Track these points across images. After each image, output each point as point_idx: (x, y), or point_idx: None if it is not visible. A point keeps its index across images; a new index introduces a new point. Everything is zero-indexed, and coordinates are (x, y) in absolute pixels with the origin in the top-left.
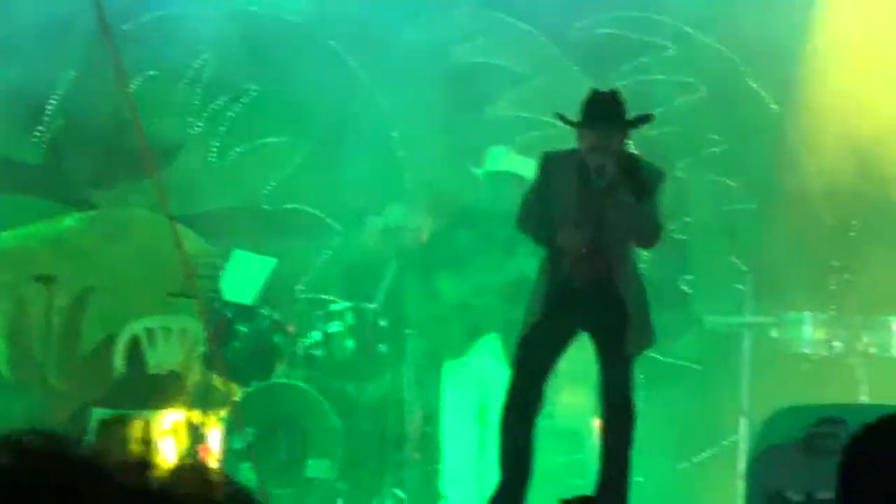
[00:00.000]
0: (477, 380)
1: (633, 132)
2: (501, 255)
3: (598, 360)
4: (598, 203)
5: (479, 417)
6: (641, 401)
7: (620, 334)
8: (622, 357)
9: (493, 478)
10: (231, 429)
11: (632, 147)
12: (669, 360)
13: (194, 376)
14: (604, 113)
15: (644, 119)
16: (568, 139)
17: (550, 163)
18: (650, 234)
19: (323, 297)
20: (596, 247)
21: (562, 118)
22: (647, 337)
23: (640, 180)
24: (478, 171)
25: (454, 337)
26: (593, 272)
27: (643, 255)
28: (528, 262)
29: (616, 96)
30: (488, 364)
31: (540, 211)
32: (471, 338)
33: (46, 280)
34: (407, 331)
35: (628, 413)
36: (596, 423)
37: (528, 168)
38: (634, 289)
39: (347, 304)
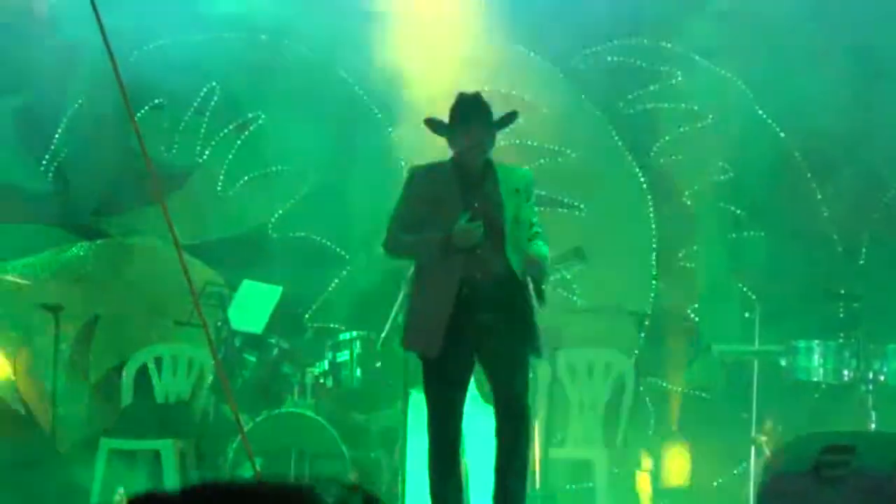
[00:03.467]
0: None
1: (637, 160)
2: None
3: (495, 369)
4: (482, 197)
5: None
6: (650, 429)
7: (521, 333)
8: (521, 358)
9: None
10: (240, 458)
11: (639, 175)
12: (678, 388)
13: (203, 405)
14: (476, 111)
15: (510, 117)
16: (576, 169)
17: (419, 174)
18: (544, 271)
19: (331, 325)
20: (492, 243)
21: (431, 122)
22: (538, 340)
23: (516, 183)
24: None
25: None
26: (493, 268)
27: (651, 284)
28: None
29: (481, 97)
30: None
31: (411, 222)
32: None
33: (54, 309)
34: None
35: (529, 423)
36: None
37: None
38: (523, 289)
39: (356, 332)
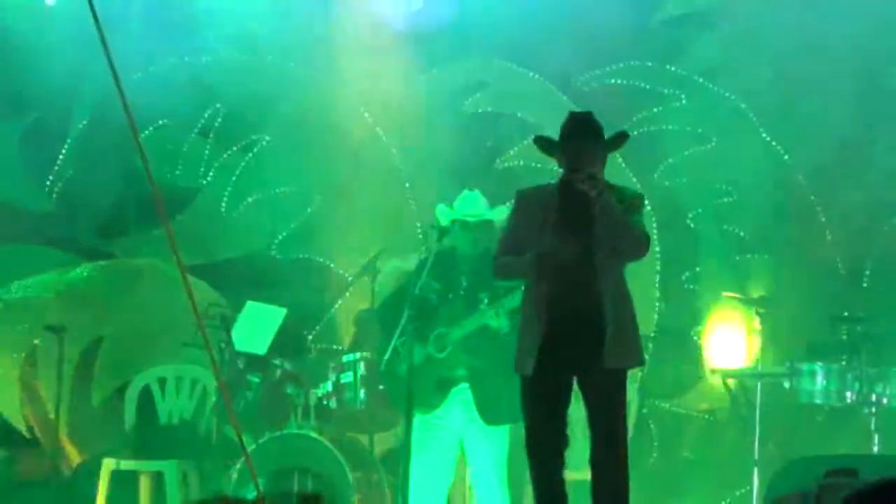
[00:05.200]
0: (449, 432)
1: (641, 182)
2: (463, 306)
3: (589, 393)
4: (587, 214)
5: (454, 469)
6: (654, 452)
7: (600, 347)
8: (604, 374)
9: None
10: (243, 480)
11: (643, 197)
12: (682, 410)
13: (206, 427)
14: (586, 128)
15: (622, 136)
16: None
17: (523, 197)
18: (639, 241)
19: (335, 347)
20: (585, 259)
21: (540, 140)
22: (630, 353)
23: (623, 198)
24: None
25: (425, 390)
26: (582, 285)
27: (655, 306)
28: (488, 312)
29: (593, 115)
30: (459, 415)
31: (515, 245)
32: (440, 390)
33: (58, 330)
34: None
35: (622, 457)
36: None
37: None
38: (620, 304)
39: (359, 354)
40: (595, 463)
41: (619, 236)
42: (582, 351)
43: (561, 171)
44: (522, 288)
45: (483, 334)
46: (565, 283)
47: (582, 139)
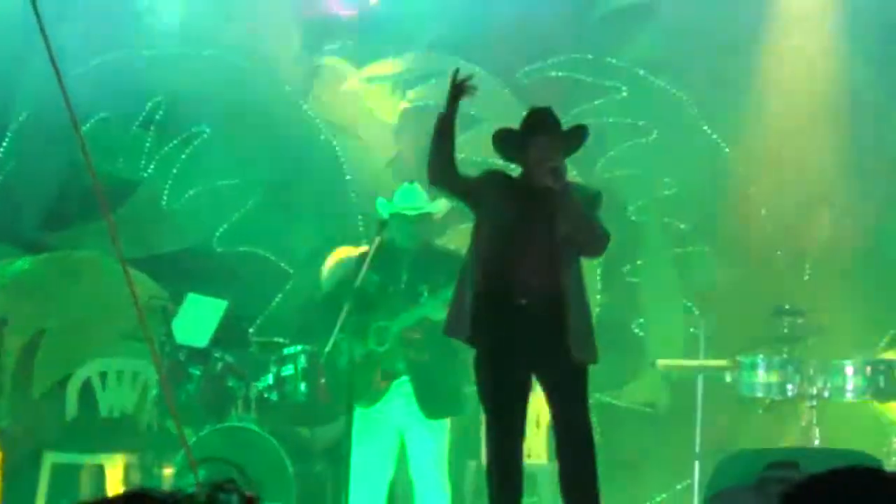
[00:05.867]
0: (390, 425)
1: (582, 174)
2: (403, 299)
3: (551, 389)
4: (550, 207)
5: (395, 462)
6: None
7: (565, 341)
8: (571, 369)
9: None
10: (183, 472)
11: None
12: (622, 403)
13: (147, 419)
14: (548, 122)
15: (580, 129)
16: None
17: (494, 172)
18: (599, 237)
19: (276, 340)
20: (546, 251)
21: (500, 134)
22: (592, 348)
23: (582, 196)
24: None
25: (366, 383)
26: (545, 284)
27: (596, 298)
28: (428, 304)
29: (552, 110)
30: (400, 408)
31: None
32: (380, 383)
33: None
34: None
35: (592, 445)
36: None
37: (426, 203)
38: (581, 298)
39: (300, 347)
40: (565, 457)
41: (580, 231)
42: (546, 344)
43: (519, 168)
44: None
45: (424, 327)
46: (524, 272)
47: (544, 133)
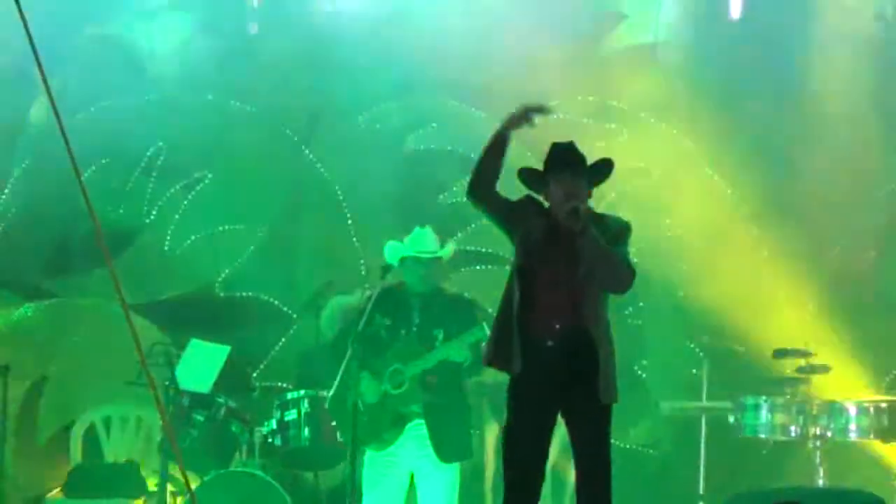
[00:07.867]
0: (401, 468)
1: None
2: (417, 342)
3: (574, 426)
4: (572, 248)
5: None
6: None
7: (595, 386)
8: (598, 410)
9: None
10: None
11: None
12: (626, 445)
13: (151, 465)
14: (571, 157)
15: (605, 163)
16: None
17: (531, 200)
18: (623, 274)
19: (279, 384)
20: (574, 299)
21: (526, 173)
22: (615, 390)
23: (609, 228)
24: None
25: (380, 426)
26: (568, 326)
27: None
28: (451, 346)
29: (575, 145)
30: (412, 451)
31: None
32: (395, 426)
33: (2, 369)
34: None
35: (610, 487)
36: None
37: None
38: (607, 338)
39: (303, 391)
40: (586, 497)
41: (599, 268)
42: (574, 386)
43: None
44: (483, 325)
45: (441, 370)
46: (552, 310)
47: (568, 169)
